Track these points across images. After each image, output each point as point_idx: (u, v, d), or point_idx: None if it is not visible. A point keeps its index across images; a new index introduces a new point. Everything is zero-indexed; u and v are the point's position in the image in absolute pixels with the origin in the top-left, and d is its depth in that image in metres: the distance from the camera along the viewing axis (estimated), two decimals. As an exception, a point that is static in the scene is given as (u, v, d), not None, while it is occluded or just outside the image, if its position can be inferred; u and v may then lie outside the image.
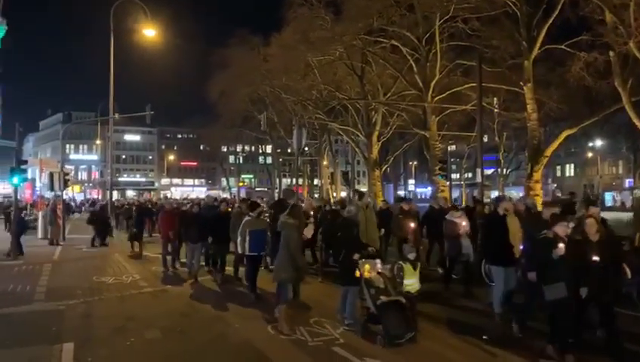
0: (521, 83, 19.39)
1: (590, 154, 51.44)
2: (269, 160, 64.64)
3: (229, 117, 44.91)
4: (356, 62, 27.11)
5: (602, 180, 48.47)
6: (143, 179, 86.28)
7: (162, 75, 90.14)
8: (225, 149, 73.13)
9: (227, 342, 7.01)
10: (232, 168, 76.82)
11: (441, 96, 23.71)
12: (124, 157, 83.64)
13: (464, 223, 10.10)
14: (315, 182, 55.55)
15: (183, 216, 12.66)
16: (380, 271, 7.08)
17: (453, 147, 52.24)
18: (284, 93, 33.16)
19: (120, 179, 75.85)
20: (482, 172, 18.75)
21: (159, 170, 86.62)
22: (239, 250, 9.50)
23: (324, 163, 47.80)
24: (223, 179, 78.72)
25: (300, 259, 7.79)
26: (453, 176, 59.77)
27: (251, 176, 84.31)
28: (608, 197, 48.24)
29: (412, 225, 11.35)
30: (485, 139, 30.23)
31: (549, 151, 19.77)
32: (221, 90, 39.64)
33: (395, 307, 6.73)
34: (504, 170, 44.04)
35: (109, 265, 14.02)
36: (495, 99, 25.29)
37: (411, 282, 7.05)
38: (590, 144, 49.04)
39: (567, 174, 58.19)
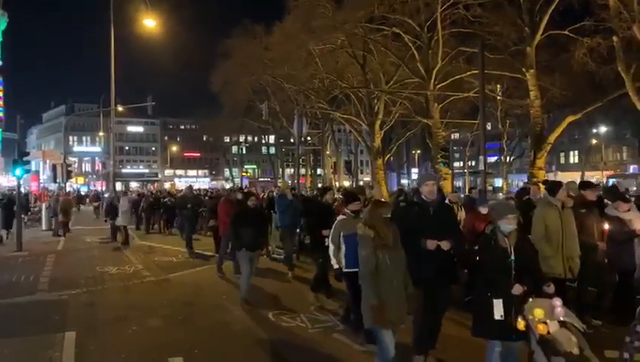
0: (524, 69, 19.26)
1: (594, 141, 51.22)
2: (272, 150, 64.59)
3: (231, 107, 44.85)
4: (358, 51, 26.96)
5: (606, 167, 48.23)
6: (147, 171, 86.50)
7: (165, 66, 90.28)
8: (228, 140, 73.10)
9: (229, 329, 7.04)
10: (235, 159, 76.81)
11: (443, 84, 23.58)
12: (127, 148, 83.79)
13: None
14: (318, 171, 55.56)
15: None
16: (563, 318, 4.16)
17: (457, 135, 52.19)
18: (286, 82, 33.06)
19: (123, 170, 75.97)
20: (485, 160, 18.67)
21: (162, 161, 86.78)
22: (335, 264, 6.38)
23: (327, 152, 47.80)
24: (226, 170, 78.82)
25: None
26: (457, 164, 59.82)
27: (254, 166, 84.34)
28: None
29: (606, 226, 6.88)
30: (489, 127, 30.11)
31: (552, 138, 19.67)
32: (223, 80, 39.54)
33: None
34: (507, 157, 43.94)
35: (113, 256, 14.08)
36: (498, 86, 25.15)
37: None
38: (594, 130, 48.78)
39: (571, 161, 57.95)
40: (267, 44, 33.58)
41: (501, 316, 4.32)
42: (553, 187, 6.44)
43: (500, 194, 32.37)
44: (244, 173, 65.77)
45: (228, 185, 52.10)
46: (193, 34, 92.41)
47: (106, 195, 26.28)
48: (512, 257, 4.40)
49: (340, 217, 6.57)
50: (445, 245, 5.10)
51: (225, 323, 7.34)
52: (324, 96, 32.87)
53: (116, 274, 11.39)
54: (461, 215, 8.84)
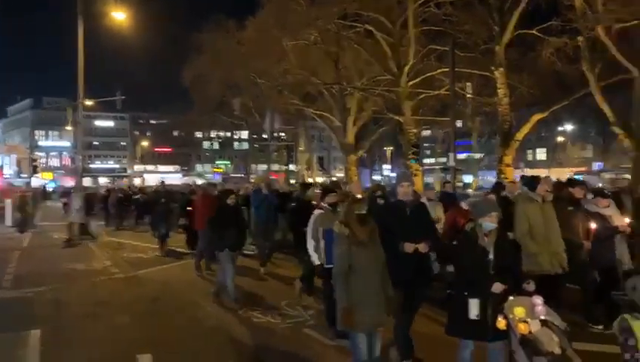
0: (493, 68, 19.61)
1: (561, 139, 52.48)
2: (245, 146, 64.19)
3: (203, 102, 44.32)
4: (331, 47, 26.99)
5: (572, 164, 49.51)
6: (117, 166, 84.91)
7: (135, 60, 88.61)
8: (199, 135, 72.35)
9: (199, 325, 7.01)
10: (207, 154, 76.00)
11: (415, 82, 23.80)
12: (96, 143, 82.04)
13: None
14: (292, 167, 55.56)
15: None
16: (544, 317, 4.07)
17: (428, 132, 52.78)
18: (258, 77, 32.87)
19: (92, 165, 74.44)
20: (455, 156, 18.97)
21: (132, 157, 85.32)
22: (316, 260, 6.29)
23: (301, 148, 47.84)
24: (198, 166, 78.03)
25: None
26: (429, 160, 60.55)
27: (227, 162, 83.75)
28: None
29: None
30: (459, 124, 30.56)
31: (519, 135, 20.11)
32: (195, 74, 39.06)
33: None
34: (477, 154, 44.72)
35: (81, 253, 13.83)
36: (468, 84, 25.51)
37: None
38: (560, 128, 50.02)
39: (539, 158, 59.28)
40: (240, 39, 33.31)
41: (477, 315, 4.21)
42: (532, 182, 6.33)
43: (469, 190, 32.89)
44: (216, 169, 65.29)
45: (200, 181, 51.61)
46: (164, 27, 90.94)
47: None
48: (492, 256, 4.33)
49: (318, 212, 6.46)
50: (423, 247, 5.05)
51: (195, 319, 7.31)
52: (297, 92, 32.80)
53: (83, 271, 11.20)
54: (439, 210, 8.66)
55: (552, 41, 19.04)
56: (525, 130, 20.57)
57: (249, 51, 31.32)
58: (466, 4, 20.78)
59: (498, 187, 9.76)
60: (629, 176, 16.97)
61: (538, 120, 20.94)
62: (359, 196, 6.53)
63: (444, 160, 49.90)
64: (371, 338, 4.44)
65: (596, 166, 47.71)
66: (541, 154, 59.37)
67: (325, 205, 6.43)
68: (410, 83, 23.59)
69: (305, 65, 29.58)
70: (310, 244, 6.32)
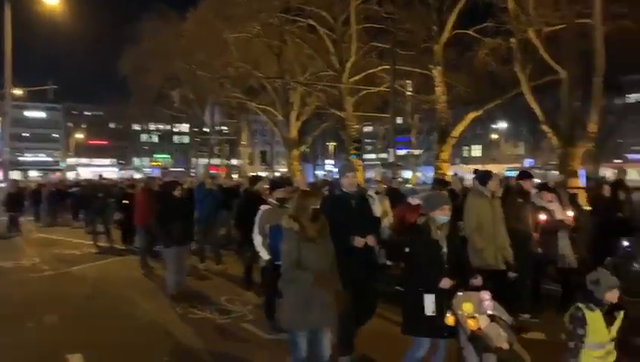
0: (431, 66, 20.16)
1: (495, 136, 54.81)
2: (186, 139, 62.72)
3: (141, 93, 42.94)
4: (274, 41, 26.84)
5: (505, 160, 51.77)
6: (49, 159, 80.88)
7: (69, 48, 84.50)
8: (137, 128, 70.12)
9: (134, 323, 6.81)
10: (146, 147, 73.80)
11: (356, 78, 24.11)
12: (26, 135, 77.77)
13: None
14: (235, 162, 54.88)
15: None
16: (491, 312, 4.06)
17: (370, 128, 53.64)
18: (199, 70, 32.22)
19: (22, 158, 70.56)
20: (395, 152, 19.40)
21: (66, 149, 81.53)
22: (265, 255, 6.19)
23: (243, 142, 47.32)
24: (136, 159, 75.69)
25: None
26: (370, 156, 61.51)
27: (167, 156, 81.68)
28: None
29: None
30: (400, 121, 31.27)
31: (455, 133, 20.81)
32: (133, 65, 37.76)
33: None
34: (417, 150, 45.83)
35: (8, 249, 13.10)
36: (408, 82, 26.10)
37: (601, 349, 3.51)
38: (494, 126, 52.22)
39: (474, 155, 61.58)
40: (181, 30, 32.50)
41: (433, 312, 4.06)
42: (483, 177, 6.26)
43: (409, 185, 33.67)
44: (154, 163, 63.55)
45: (138, 175, 50.05)
46: (101, 15, 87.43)
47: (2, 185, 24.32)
48: (445, 249, 4.24)
49: (265, 207, 6.31)
50: (371, 241, 4.97)
51: (130, 317, 7.11)
52: (239, 85, 32.40)
53: (12, 268, 10.64)
54: (386, 205, 8.61)
55: (487, 41, 19.81)
56: (461, 127, 21.31)
57: (190, 43, 30.65)
58: (406, 3, 21.23)
59: (440, 183, 9.92)
60: (555, 173, 17.94)
61: (473, 118, 21.73)
62: (310, 190, 6.44)
63: (385, 155, 50.99)
64: (316, 336, 4.24)
65: (527, 162, 50.09)
66: (476, 150, 61.67)
67: (273, 200, 6.31)
68: (352, 79, 23.87)
69: (247, 58, 29.27)
70: (257, 240, 6.21)
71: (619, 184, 8.84)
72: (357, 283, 4.95)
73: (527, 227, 6.45)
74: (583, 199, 9.50)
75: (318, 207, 4.33)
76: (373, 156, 61.62)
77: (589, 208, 8.69)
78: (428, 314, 4.08)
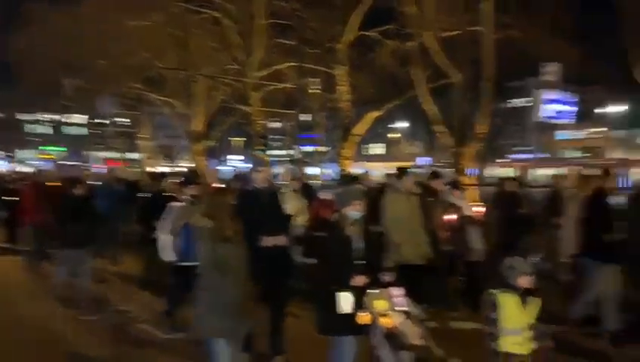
0: (336, 65, 20.59)
1: (395, 135, 57.33)
2: (83, 131, 59.01)
3: (30, 80, 39.65)
4: (177, 31, 25.94)
5: (404, 158, 54.24)
6: None
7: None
8: (26, 117, 64.81)
9: (17, 326, 6.38)
10: (37, 139, 68.41)
11: (262, 73, 23.97)
12: None
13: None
14: (134, 155, 52.45)
15: None
16: (403, 308, 4.11)
17: (278, 124, 53.73)
18: (96, 58, 30.36)
19: None
20: (299, 149, 19.57)
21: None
22: (172, 256, 5.94)
23: (144, 135, 45.23)
24: (25, 151, 69.99)
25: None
26: (278, 152, 61.62)
27: (62, 148, 76.29)
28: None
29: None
30: (307, 118, 31.63)
31: (357, 131, 21.42)
32: (22, 49, 34.72)
33: None
34: (323, 147, 46.69)
35: None
36: (314, 80, 26.40)
37: (518, 335, 3.58)
38: (395, 126, 54.57)
39: (376, 153, 63.87)
40: (77, 15, 30.41)
41: (348, 310, 3.96)
42: (400, 174, 6.44)
43: (317, 181, 34.16)
44: (44, 156, 59.11)
45: (25, 169, 46.30)
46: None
47: None
48: (359, 245, 4.17)
49: (176, 204, 6.05)
50: (282, 241, 4.88)
51: (14, 319, 6.61)
52: (139, 76, 30.96)
53: None
54: (301, 201, 8.18)
55: (388, 43, 20.55)
56: (364, 126, 21.99)
57: (86, 29, 28.80)
58: (312, 1, 21.42)
59: (351, 179, 9.92)
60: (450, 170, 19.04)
61: (375, 117, 22.50)
62: (223, 186, 6.22)
63: (293, 152, 51.43)
64: (235, 342, 4.02)
65: (420, 161, 52.77)
66: (378, 149, 63.97)
67: (186, 197, 6.07)
68: (258, 74, 23.71)
69: (148, 48, 28.07)
70: (165, 239, 5.90)
71: (517, 181, 9.49)
72: (268, 283, 4.82)
73: (437, 226, 6.65)
74: (474, 196, 10.14)
75: (234, 203, 4.22)
76: (282, 152, 61.85)
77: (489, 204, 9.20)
78: (342, 311, 3.96)
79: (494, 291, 3.59)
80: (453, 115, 18.17)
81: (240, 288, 3.89)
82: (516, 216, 8.16)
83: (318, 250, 4.40)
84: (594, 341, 5.71)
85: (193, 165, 29.73)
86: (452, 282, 7.27)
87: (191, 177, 7.09)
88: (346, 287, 3.99)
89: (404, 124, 54.66)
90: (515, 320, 3.54)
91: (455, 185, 7.63)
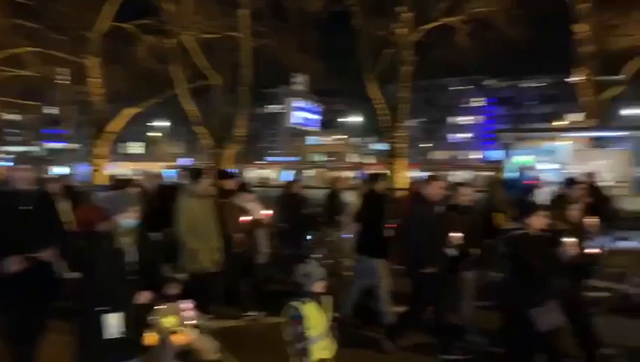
0: (88, 56, 19.13)
1: (156, 134, 55.61)
2: None
3: None
4: None
5: (166, 158, 53.05)
6: None
7: None
8: None
9: None
10: None
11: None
12: None
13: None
14: None
15: None
16: (194, 322, 3.69)
17: (18, 117, 46.92)
18: None
19: None
20: (43, 146, 17.64)
21: None
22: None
23: None
24: None
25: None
26: (19, 148, 53.78)
27: None
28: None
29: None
30: (55, 111, 28.46)
31: (112, 128, 20.23)
32: None
33: None
34: (75, 144, 42.60)
35: None
36: (64, 69, 23.92)
37: (324, 339, 3.58)
38: (155, 125, 52.98)
39: (136, 151, 61.08)
40: None
41: (119, 332, 3.37)
42: (194, 175, 6.01)
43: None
44: None
45: None
46: None
47: None
48: (134, 258, 3.59)
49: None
50: (50, 255, 4.01)
51: None
52: None
53: None
54: (67, 207, 7.30)
55: (146, 38, 19.92)
56: (120, 123, 20.88)
57: None
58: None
59: (118, 182, 8.95)
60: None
61: (133, 114, 21.58)
62: None
63: (36, 148, 45.48)
64: None
65: (182, 161, 52.49)
66: (137, 147, 61.23)
67: None
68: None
69: None
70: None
71: (301, 184, 9.71)
72: (19, 305, 4.01)
73: (229, 228, 6.37)
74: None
75: None
76: (24, 149, 54.16)
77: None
78: (111, 336, 3.37)
79: (294, 303, 3.45)
80: (214, 116, 18.61)
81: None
82: (300, 216, 8.51)
83: (83, 264, 3.66)
84: (371, 331, 5.86)
85: None
86: (245, 284, 6.83)
87: None
88: (116, 307, 3.45)
89: (164, 123, 53.30)
90: (319, 326, 3.50)
91: (244, 188, 7.50)
